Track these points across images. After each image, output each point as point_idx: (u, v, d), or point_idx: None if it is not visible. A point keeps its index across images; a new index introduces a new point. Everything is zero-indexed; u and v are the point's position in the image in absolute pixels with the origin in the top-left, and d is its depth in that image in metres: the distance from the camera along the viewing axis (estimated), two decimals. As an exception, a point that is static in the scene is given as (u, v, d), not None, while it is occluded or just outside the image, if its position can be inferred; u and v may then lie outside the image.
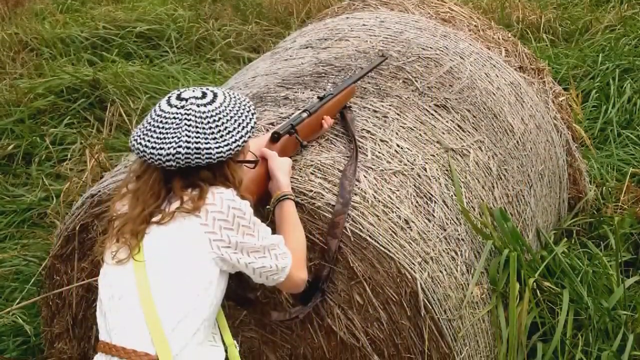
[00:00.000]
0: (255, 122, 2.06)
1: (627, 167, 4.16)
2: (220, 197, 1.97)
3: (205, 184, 1.98)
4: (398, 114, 2.79)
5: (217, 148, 1.95)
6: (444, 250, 2.46)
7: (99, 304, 2.00)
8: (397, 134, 2.70)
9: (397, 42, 3.23)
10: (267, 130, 2.51)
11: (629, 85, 4.94)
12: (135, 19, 6.74)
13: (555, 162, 3.48)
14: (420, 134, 2.77)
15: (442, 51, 3.26)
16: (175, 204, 1.97)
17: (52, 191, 4.32)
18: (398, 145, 2.65)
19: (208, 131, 1.95)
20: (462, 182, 2.72)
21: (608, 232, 3.44)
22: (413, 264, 2.33)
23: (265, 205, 2.22)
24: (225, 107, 2.00)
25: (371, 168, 2.50)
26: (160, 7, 7.14)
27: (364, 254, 2.30)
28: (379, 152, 2.58)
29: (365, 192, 2.39)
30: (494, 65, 3.42)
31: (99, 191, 2.51)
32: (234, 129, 1.99)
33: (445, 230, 2.52)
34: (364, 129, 2.65)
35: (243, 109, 2.03)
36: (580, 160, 3.71)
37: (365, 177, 2.45)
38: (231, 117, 1.99)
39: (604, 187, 3.92)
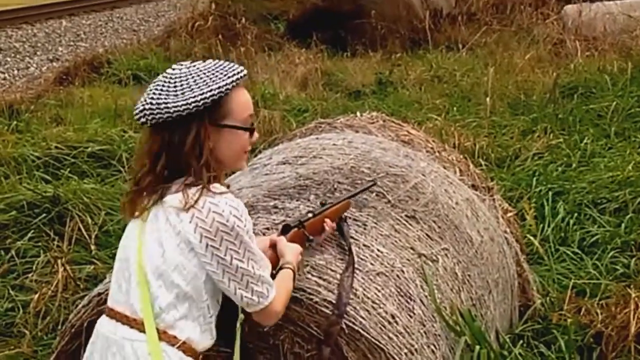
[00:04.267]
0: (239, 77, 2.23)
1: (566, 280, 4.50)
2: (208, 207, 2.16)
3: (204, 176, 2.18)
4: (375, 223, 3.08)
5: (173, 103, 2.15)
6: (425, 344, 2.70)
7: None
8: (376, 240, 2.98)
9: (367, 160, 3.55)
10: (264, 235, 2.75)
11: (561, 207, 5.37)
12: (87, 139, 6.94)
13: (507, 272, 3.79)
14: (395, 241, 3.05)
15: (407, 169, 3.58)
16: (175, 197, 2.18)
17: (18, 302, 4.40)
18: (378, 250, 2.92)
19: (171, 88, 2.18)
20: (435, 284, 2.99)
21: (558, 337, 3.74)
22: (401, 354, 2.56)
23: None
24: (201, 68, 2.22)
25: (358, 269, 2.75)
26: (110, 128, 7.38)
27: (357, 345, 2.53)
28: (363, 255, 2.85)
29: (356, 290, 2.64)
30: (451, 183, 3.76)
31: (106, 290, 2.67)
32: (199, 86, 2.16)
33: (424, 326, 2.77)
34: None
35: (222, 69, 2.23)
36: (528, 271, 4.04)
37: (355, 276, 2.69)
38: (200, 78, 2.19)
39: (548, 297, 4.24)
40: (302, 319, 2.49)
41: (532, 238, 4.71)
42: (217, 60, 2.29)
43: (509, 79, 8.99)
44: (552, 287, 4.39)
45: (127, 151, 6.91)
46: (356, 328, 2.53)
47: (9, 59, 12.82)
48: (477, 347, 2.93)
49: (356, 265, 2.75)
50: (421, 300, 2.85)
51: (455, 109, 8.16)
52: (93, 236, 5.12)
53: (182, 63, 2.27)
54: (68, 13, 16.81)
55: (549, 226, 5.13)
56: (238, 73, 2.24)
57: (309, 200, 3.07)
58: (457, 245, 3.36)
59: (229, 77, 2.21)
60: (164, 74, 2.24)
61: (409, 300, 2.80)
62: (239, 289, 2.21)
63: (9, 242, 5.02)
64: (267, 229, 2.84)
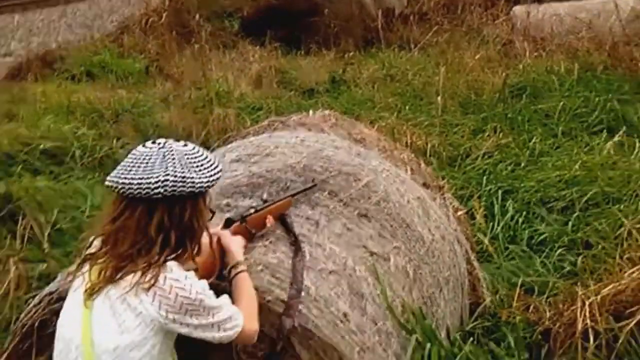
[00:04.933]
0: (220, 166, 2.34)
1: (515, 278, 4.58)
2: (170, 284, 2.19)
3: (168, 242, 2.21)
4: (327, 221, 3.11)
5: (199, 178, 2.23)
6: (377, 342, 2.75)
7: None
8: (328, 238, 3.01)
9: (319, 158, 3.58)
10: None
11: (510, 206, 5.46)
12: (40, 136, 6.88)
13: (458, 270, 3.85)
14: (348, 239, 3.09)
15: (359, 167, 3.62)
16: (134, 277, 2.17)
17: (-32, 300, 4.35)
18: (330, 249, 2.96)
19: (189, 164, 2.24)
20: (386, 282, 3.04)
21: (507, 333, 3.81)
22: (353, 353, 2.60)
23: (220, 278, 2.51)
24: (198, 149, 2.31)
25: (310, 268, 2.78)
26: (63, 125, 7.32)
27: (309, 344, 2.56)
28: (316, 254, 2.88)
29: (309, 288, 2.67)
30: (403, 181, 3.81)
31: (58, 289, 2.67)
32: (210, 165, 2.29)
33: (376, 324, 2.81)
34: (300, 234, 2.94)
35: (211, 156, 2.35)
36: (479, 269, 4.11)
37: (306, 275, 2.72)
38: (206, 156, 2.30)
39: (498, 295, 4.31)
40: (255, 318, 2.50)
41: (481, 236, 4.79)
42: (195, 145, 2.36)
43: (459, 78, 9.09)
44: (501, 285, 4.47)
45: (80, 148, 6.86)
46: (308, 327, 2.56)
47: (-40, 54, 12.61)
48: (428, 344, 2.99)
49: (309, 264, 2.78)
50: (373, 299, 2.89)
51: (407, 107, 8.24)
52: (46, 234, 5.08)
53: (169, 142, 2.28)
54: (21, 8, 16.54)
55: (498, 224, 5.22)
56: (219, 162, 2.37)
57: (261, 198, 3.08)
58: (408, 243, 3.41)
59: (216, 159, 2.35)
60: (168, 148, 2.25)
61: (361, 299, 2.84)
62: (214, 334, 2.27)
63: (-43, 241, 4.95)
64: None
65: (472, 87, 8.78)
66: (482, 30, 11.61)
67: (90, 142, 6.95)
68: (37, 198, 5.36)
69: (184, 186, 2.20)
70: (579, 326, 3.72)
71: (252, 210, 2.80)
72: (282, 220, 2.95)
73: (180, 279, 2.20)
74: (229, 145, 4.00)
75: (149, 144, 2.27)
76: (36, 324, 2.66)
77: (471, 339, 3.67)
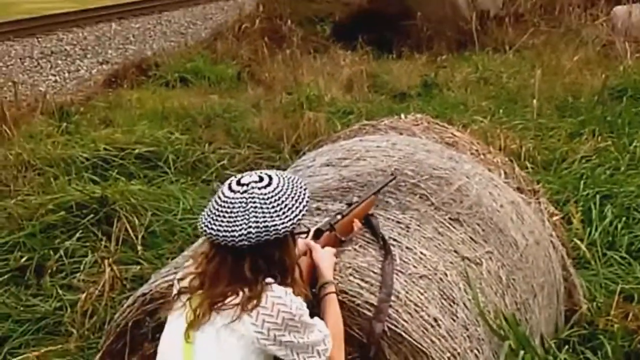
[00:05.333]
0: (308, 199, 2.35)
1: (613, 285, 4.44)
2: (272, 302, 2.21)
3: (266, 273, 2.23)
4: (418, 226, 3.07)
5: (282, 224, 2.23)
6: (468, 348, 2.69)
7: None
8: (419, 242, 2.97)
9: (410, 162, 3.54)
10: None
11: (609, 211, 5.29)
12: (135, 141, 7.03)
13: (553, 276, 3.74)
14: (439, 244, 3.03)
15: (451, 171, 3.57)
16: (235, 299, 2.19)
17: (65, 301, 4.47)
18: (421, 253, 2.91)
19: (272, 210, 2.23)
20: (478, 288, 2.97)
21: (605, 342, 3.68)
22: (443, 358, 2.55)
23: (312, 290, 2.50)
24: (281, 187, 2.29)
25: (401, 272, 2.74)
26: (157, 130, 7.47)
27: (399, 348, 2.52)
28: (406, 258, 2.84)
29: (398, 292, 2.63)
30: (496, 185, 3.73)
31: (151, 290, 2.71)
32: (293, 204, 2.28)
33: (467, 330, 2.75)
34: (390, 237, 2.91)
35: (297, 188, 2.33)
36: (575, 275, 3.98)
37: (397, 279, 2.69)
38: (288, 195, 2.28)
39: (595, 302, 4.18)
40: (345, 321, 2.48)
41: (578, 242, 4.65)
42: (283, 174, 2.37)
43: (556, 81, 8.90)
44: (599, 292, 4.33)
45: (174, 152, 6.99)
46: (398, 331, 2.52)
47: (60, 62, 13.07)
48: (522, 351, 2.91)
49: (399, 268, 2.75)
50: (464, 304, 2.83)
51: (501, 111, 8.09)
52: (140, 237, 5.17)
53: (252, 185, 2.28)
54: (117, 17, 17.09)
55: (596, 230, 5.06)
56: (305, 189, 2.36)
57: (347, 202, 3.07)
58: (501, 248, 3.33)
59: (305, 190, 2.35)
60: (249, 195, 2.26)
61: (452, 304, 2.78)
62: (308, 357, 2.27)
63: (58, 242, 5.09)
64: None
65: (570, 90, 8.59)
66: (580, 31, 11.33)
67: (184, 146, 7.08)
68: (132, 201, 5.47)
69: (268, 234, 2.22)
70: (680, 335, 3.58)
71: (340, 217, 2.78)
72: (369, 223, 2.91)
73: (282, 296, 2.23)
74: (320, 150, 4.00)
75: (234, 185, 2.28)
76: (130, 324, 2.70)
77: (566, 347, 3.57)
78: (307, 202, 2.33)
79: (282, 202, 2.26)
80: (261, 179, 2.29)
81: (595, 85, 8.42)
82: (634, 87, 8.27)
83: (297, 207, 2.28)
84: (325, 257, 2.56)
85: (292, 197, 2.29)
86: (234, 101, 9.21)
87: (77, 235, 5.17)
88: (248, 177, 2.31)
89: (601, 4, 12.37)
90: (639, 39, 10.43)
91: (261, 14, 13.07)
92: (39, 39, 14.81)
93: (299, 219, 2.28)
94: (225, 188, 2.29)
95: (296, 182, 2.34)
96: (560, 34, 11.50)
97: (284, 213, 2.25)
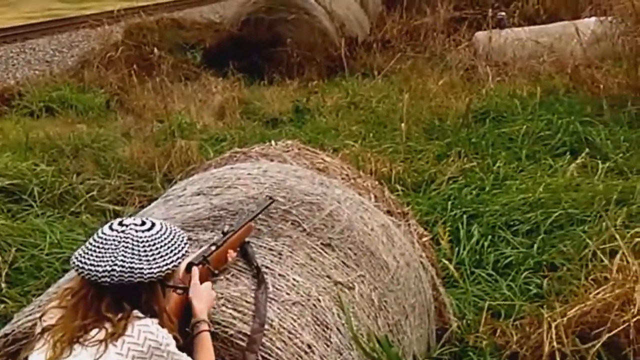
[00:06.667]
0: (186, 250, 2.33)
1: (481, 302, 4.57)
2: (138, 330, 2.19)
3: (130, 309, 2.18)
4: (291, 252, 3.08)
5: (149, 269, 2.21)
6: (342, 373, 2.70)
7: None
8: (292, 269, 2.97)
9: (282, 188, 3.55)
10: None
11: (476, 230, 5.46)
12: (-4, 174, 6.78)
13: (423, 296, 3.82)
14: (311, 269, 3.05)
15: (322, 197, 3.59)
16: (99, 333, 2.13)
17: None
18: (294, 279, 2.91)
19: (142, 253, 2.22)
20: (351, 311, 3.00)
21: (475, 359, 3.80)
22: (318, 384, 2.55)
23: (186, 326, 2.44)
24: (160, 234, 2.29)
25: (274, 299, 2.74)
26: (21, 162, 7.21)
27: (273, 377, 2.50)
28: (279, 285, 2.83)
29: (272, 320, 2.62)
30: (366, 209, 3.79)
31: (13, 330, 2.60)
32: (166, 253, 2.26)
33: (341, 354, 2.77)
34: (263, 265, 2.90)
35: (177, 238, 2.33)
36: (444, 294, 4.08)
37: (270, 307, 2.68)
38: (165, 244, 2.28)
39: (465, 320, 4.29)
40: (217, 353, 2.45)
41: (446, 262, 4.77)
42: (166, 224, 2.36)
43: (423, 104, 9.13)
44: (468, 310, 4.45)
45: (39, 185, 6.76)
46: (272, 359, 2.51)
47: None
48: (395, 373, 2.94)
49: (272, 296, 2.74)
50: (338, 329, 2.85)
51: (371, 135, 8.24)
52: (3, 274, 4.98)
53: (131, 227, 2.27)
54: (-23, 45, 16.43)
55: (464, 249, 5.21)
56: (185, 244, 2.36)
57: (222, 231, 3.04)
58: (373, 271, 3.38)
59: (185, 243, 2.36)
60: (124, 235, 2.25)
61: (325, 329, 2.79)
62: None
63: None
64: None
65: (436, 113, 8.83)
66: (445, 56, 11.69)
67: (50, 178, 6.85)
68: (-7, 237, 5.26)
69: (132, 276, 2.20)
70: (546, 349, 3.72)
71: (214, 248, 2.74)
72: (244, 252, 2.90)
73: (149, 324, 2.21)
74: (191, 178, 3.96)
75: (114, 225, 2.28)
76: (-9, 367, 2.57)
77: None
78: (182, 255, 2.32)
79: (156, 248, 2.25)
80: (143, 223, 2.29)
81: (460, 108, 8.69)
82: (496, 109, 8.58)
83: (169, 257, 2.27)
84: (201, 296, 2.50)
85: (168, 247, 2.28)
86: (103, 130, 9.03)
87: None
88: (132, 219, 2.31)
89: (463, 29, 12.83)
90: (500, 62, 10.85)
91: (129, 42, 12.86)
92: None
93: (169, 269, 2.26)
94: (106, 227, 2.28)
95: (177, 234, 2.34)
96: (425, 59, 11.83)
97: (154, 259, 2.23)
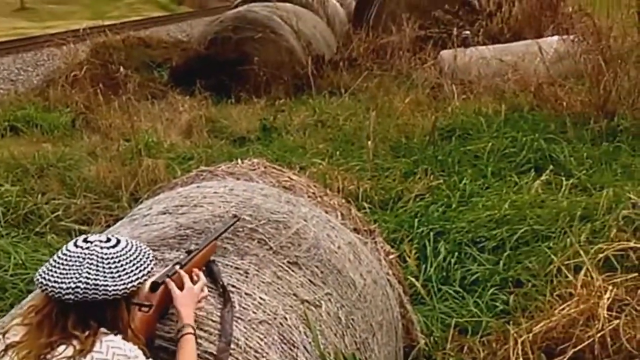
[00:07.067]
0: (152, 268, 2.33)
1: (448, 319, 4.59)
2: (107, 345, 2.17)
3: (97, 326, 2.16)
4: (257, 271, 3.06)
5: (114, 286, 2.19)
6: (309, 391, 2.69)
7: None
8: (258, 287, 2.96)
9: (248, 207, 3.54)
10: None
11: (442, 247, 5.49)
12: (-44, 194, 6.71)
13: (391, 314, 3.83)
14: (278, 288, 3.04)
15: (288, 215, 3.59)
16: (67, 349, 2.12)
17: None
18: (261, 298, 2.90)
19: (107, 270, 2.20)
20: (318, 330, 2.99)
21: (440, 376, 3.81)
22: (285, 404, 2.54)
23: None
24: (126, 251, 2.27)
25: (240, 318, 2.73)
26: (-19, 186, 7.15)
27: (240, 397, 2.49)
28: (245, 304, 2.82)
29: (238, 340, 2.61)
30: (333, 227, 3.79)
31: (-24, 352, 2.56)
32: (131, 271, 2.25)
33: (308, 373, 2.76)
34: (229, 284, 2.89)
35: (142, 255, 2.31)
36: (412, 311, 4.10)
37: (236, 326, 2.67)
38: (130, 261, 2.26)
39: (432, 337, 4.31)
40: (184, 373, 2.43)
41: (413, 279, 4.79)
42: (132, 241, 2.36)
43: (390, 122, 9.20)
44: (435, 327, 4.47)
45: (3, 205, 6.71)
46: (239, 379, 2.50)
47: None
48: (362, 391, 2.94)
49: (238, 315, 2.73)
50: (305, 347, 2.85)
51: (338, 153, 8.28)
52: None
53: (95, 243, 2.26)
54: (-60, 63, 16.26)
55: (431, 266, 5.24)
56: (151, 261, 2.35)
57: (187, 250, 3.02)
58: (340, 289, 3.38)
59: (150, 260, 2.34)
60: (89, 251, 2.23)
61: (292, 348, 2.79)
62: None
63: None
64: (146, 281, 2.79)
65: (403, 131, 8.89)
66: (411, 74, 11.80)
67: (14, 198, 6.81)
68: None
69: (96, 293, 2.18)
70: (512, 365, 3.74)
71: (178, 267, 2.71)
72: (209, 270, 2.89)
73: (116, 340, 2.20)
74: (157, 197, 3.94)
75: (79, 241, 2.26)
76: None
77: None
78: (148, 272, 2.31)
79: (121, 265, 2.24)
80: (108, 240, 2.28)
81: (426, 125, 8.77)
82: (461, 127, 8.66)
83: (135, 274, 2.25)
84: (183, 301, 2.52)
85: (133, 264, 2.26)
86: (68, 149, 8.98)
87: None
88: (97, 236, 2.29)
89: (429, 48, 12.94)
90: (465, 81, 10.96)
91: (95, 60, 12.81)
92: None
93: (134, 286, 2.24)
94: (70, 243, 2.26)
95: (143, 251, 2.33)
96: (392, 77, 11.93)
97: (119, 276, 2.21)
